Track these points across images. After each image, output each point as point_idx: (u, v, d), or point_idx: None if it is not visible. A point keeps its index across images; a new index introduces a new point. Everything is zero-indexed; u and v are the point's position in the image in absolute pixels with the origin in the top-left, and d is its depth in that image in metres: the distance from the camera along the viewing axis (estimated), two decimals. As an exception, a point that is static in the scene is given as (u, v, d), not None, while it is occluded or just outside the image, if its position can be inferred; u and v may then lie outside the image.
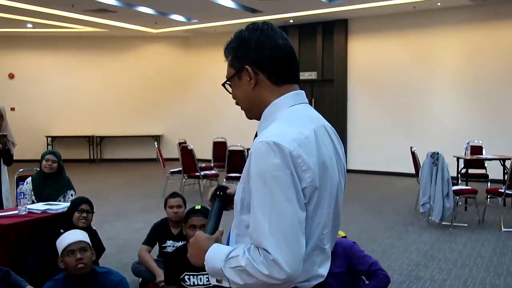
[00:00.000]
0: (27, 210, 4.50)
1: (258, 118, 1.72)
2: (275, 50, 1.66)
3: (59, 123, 15.52)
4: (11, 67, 15.48)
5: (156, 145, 10.83)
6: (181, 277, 3.64)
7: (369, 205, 8.86)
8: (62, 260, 3.38)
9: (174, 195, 4.80)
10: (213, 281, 1.58)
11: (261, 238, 1.45)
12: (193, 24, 13.93)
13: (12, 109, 14.38)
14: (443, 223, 7.20)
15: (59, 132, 15.47)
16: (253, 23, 1.71)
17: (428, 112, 11.95)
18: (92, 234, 4.17)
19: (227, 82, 1.73)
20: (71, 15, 12.31)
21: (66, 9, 11.72)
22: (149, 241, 4.73)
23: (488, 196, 7.60)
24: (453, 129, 11.46)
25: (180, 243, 4.54)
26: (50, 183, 5.13)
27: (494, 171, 9.18)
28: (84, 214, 4.29)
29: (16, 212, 4.49)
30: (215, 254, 1.56)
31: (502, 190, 7.20)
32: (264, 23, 1.70)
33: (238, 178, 7.63)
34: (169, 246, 4.65)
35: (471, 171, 8.96)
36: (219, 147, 11.15)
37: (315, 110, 1.72)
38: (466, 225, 7.31)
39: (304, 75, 13.05)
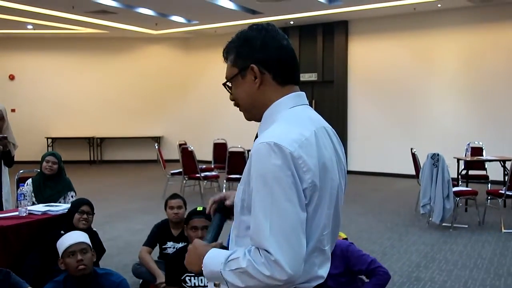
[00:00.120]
0: (27, 212, 4.50)
1: (257, 119, 1.71)
2: (280, 50, 1.66)
3: (59, 124, 15.53)
4: (11, 69, 15.49)
5: (157, 147, 10.82)
6: (182, 278, 3.65)
7: (369, 206, 8.86)
8: (63, 262, 3.38)
9: (174, 196, 4.80)
10: (211, 286, 1.58)
11: (262, 239, 1.45)
12: (193, 26, 13.94)
13: (13, 110, 14.39)
14: (443, 224, 7.20)
15: (60, 133, 15.48)
16: (257, 23, 1.71)
17: (428, 113, 11.96)
18: (93, 235, 4.17)
19: (228, 81, 1.72)
20: (72, 16, 12.32)
21: (67, 11, 11.73)
22: (150, 243, 4.73)
23: (489, 198, 7.60)
24: (453, 131, 11.46)
25: (180, 244, 4.54)
26: (50, 184, 5.13)
27: (495, 172, 9.18)
28: (85, 216, 4.29)
29: (17, 213, 4.49)
30: (214, 259, 1.56)
31: (503, 192, 7.20)
32: (268, 23, 1.70)
33: (238, 180, 7.65)
34: (170, 247, 4.65)
35: (471, 172, 8.96)
36: (220, 148, 11.16)
37: (315, 112, 1.72)
38: (467, 226, 7.31)
39: (305, 77, 13.06)
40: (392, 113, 12.46)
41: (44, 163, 5.12)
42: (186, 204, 4.77)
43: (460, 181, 8.65)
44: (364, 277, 3.56)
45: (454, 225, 7.23)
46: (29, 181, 5.18)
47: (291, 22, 12.90)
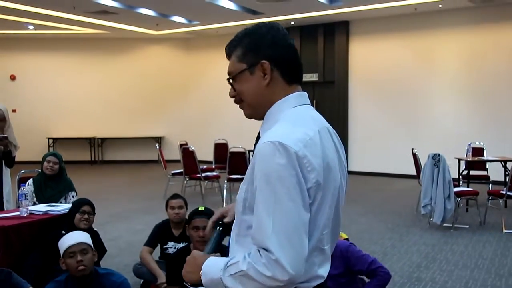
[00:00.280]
0: (28, 212, 4.50)
1: (259, 117, 1.71)
2: (289, 49, 1.68)
3: (60, 124, 15.54)
4: (12, 69, 15.51)
5: (158, 147, 10.82)
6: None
7: (370, 206, 8.85)
8: (64, 262, 3.39)
9: (175, 196, 4.80)
10: None
11: (264, 238, 1.45)
12: (194, 26, 13.94)
13: (14, 110, 14.38)
14: (444, 224, 7.19)
15: (60, 133, 15.49)
16: (265, 22, 1.71)
17: (429, 114, 11.95)
18: (94, 235, 4.17)
19: (234, 77, 1.69)
20: (72, 16, 12.33)
21: (67, 11, 11.74)
22: (151, 243, 4.73)
23: (490, 198, 7.59)
24: (454, 131, 11.46)
25: (181, 244, 4.55)
26: (51, 184, 5.13)
27: (496, 172, 9.17)
28: (86, 216, 4.29)
29: (18, 213, 4.50)
30: (212, 267, 1.55)
31: (504, 192, 7.19)
32: (275, 23, 1.71)
33: (239, 180, 7.66)
34: (171, 247, 4.65)
35: (472, 172, 8.96)
36: (220, 148, 11.15)
37: (317, 112, 1.72)
38: (467, 226, 7.30)
39: (305, 77, 13.05)
40: (393, 114, 12.46)
41: (45, 163, 5.12)
42: (187, 204, 4.77)
43: (461, 182, 8.64)
44: (364, 278, 3.56)
45: (455, 225, 7.23)
46: (30, 181, 5.19)
47: (292, 23, 12.90)
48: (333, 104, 13.05)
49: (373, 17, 12.39)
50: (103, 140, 15.72)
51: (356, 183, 10.74)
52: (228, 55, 1.72)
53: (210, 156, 11.60)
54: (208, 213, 3.75)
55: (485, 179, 9.21)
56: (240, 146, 9.52)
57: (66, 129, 15.51)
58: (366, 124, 12.81)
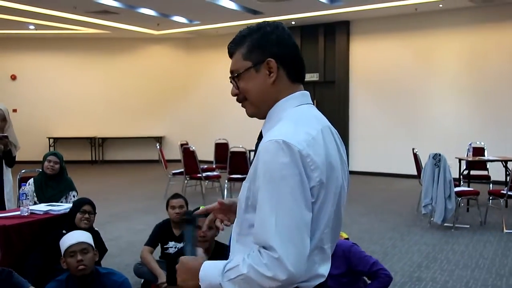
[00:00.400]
0: (29, 211, 4.51)
1: (262, 116, 1.70)
2: (294, 48, 1.69)
3: (61, 124, 15.55)
4: (13, 69, 15.52)
5: (158, 147, 10.83)
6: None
7: (371, 206, 8.85)
8: (65, 261, 3.39)
9: (176, 196, 4.80)
10: None
11: (267, 236, 1.44)
12: (195, 26, 13.95)
13: (14, 110, 14.39)
14: (445, 224, 7.19)
15: (61, 133, 15.50)
16: (269, 21, 1.71)
17: (430, 114, 11.95)
18: (95, 235, 4.17)
19: (239, 75, 1.68)
20: (73, 16, 12.34)
21: (68, 11, 11.75)
22: (151, 242, 4.73)
23: (490, 198, 7.59)
24: (455, 131, 11.46)
25: (182, 244, 4.54)
26: (52, 184, 5.13)
27: (496, 172, 9.17)
28: (86, 215, 4.29)
29: (18, 213, 4.50)
30: (210, 271, 1.53)
31: (504, 192, 7.20)
32: (279, 22, 1.71)
33: (239, 180, 7.68)
34: (171, 247, 4.65)
35: (473, 172, 8.96)
36: (221, 148, 11.16)
37: (319, 111, 1.73)
38: (468, 226, 7.30)
39: (306, 77, 12.84)
40: (394, 113, 12.46)
41: (46, 163, 5.12)
42: (187, 204, 4.77)
43: (461, 181, 8.64)
44: (365, 278, 3.56)
45: (456, 225, 7.23)
46: (31, 180, 5.19)
47: (293, 23, 12.90)
48: (333, 104, 13.05)
49: (373, 17, 12.39)
50: (104, 139, 15.73)
51: (356, 183, 10.74)
52: (231, 54, 1.71)
53: (210, 156, 11.61)
54: (208, 212, 3.74)
55: (486, 179, 9.21)
56: (240, 146, 9.52)
57: (66, 129, 15.51)
58: (366, 124, 12.81)
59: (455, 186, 7.38)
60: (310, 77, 13.15)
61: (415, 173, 8.69)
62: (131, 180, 12.37)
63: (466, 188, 7.90)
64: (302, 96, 1.69)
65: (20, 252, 4.19)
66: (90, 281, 3.36)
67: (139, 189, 10.96)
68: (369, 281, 3.46)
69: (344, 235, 3.76)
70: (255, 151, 1.65)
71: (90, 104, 15.54)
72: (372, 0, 10.99)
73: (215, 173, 9.82)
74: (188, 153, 9.37)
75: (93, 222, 4.42)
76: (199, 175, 9.33)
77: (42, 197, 5.04)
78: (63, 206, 4.69)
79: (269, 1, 10.77)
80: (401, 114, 12.34)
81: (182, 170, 9.52)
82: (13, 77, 15.52)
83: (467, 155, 9.20)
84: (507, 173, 8.62)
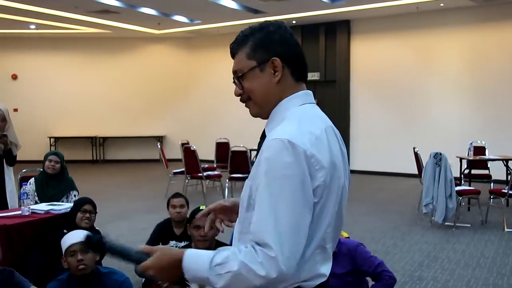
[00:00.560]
0: (30, 211, 4.51)
1: (266, 117, 1.70)
2: (297, 47, 1.69)
3: (62, 124, 15.55)
4: (14, 68, 15.52)
5: (159, 146, 10.83)
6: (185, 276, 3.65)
7: (372, 205, 8.85)
8: (65, 260, 3.39)
9: (176, 195, 4.80)
10: (195, 286, 1.55)
11: (265, 233, 1.44)
12: (195, 25, 13.94)
13: (15, 110, 14.41)
14: (446, 223, 7.19)
15: (62, 133, 15.50)
16: (271, 21, 1.71)
17: (431, 113, 11.94)
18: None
19: (244, 75, 1.67)
20: (74, 16, 12.34)
21: (69, 10, 11.75)
22: (152, 242, 4.73)
23: (491, 197, 7.58)
24: (456, 130, 11.45)
25: (183, 243, 4.54)
26: (53, 183, 5.13)
27: (497, 171, 9.16)
28: (87, 215, 4.29)
29: (19, 212, 4.51)
30: (196, 263, 1.51)
31: (505, 191, 7.19)
32: (281, 21, 1.72)
33: (240, 179, 7.63)
34: (172, 246, 4.65)
35: (474, 171, 8.95)
36: (222, 147, 11.16)
37: (321, 111, 1.73)
38: (469, 225, 7.30)
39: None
40: (395, 113, 12.45)
41: (47, 163, 5.13)
42: (188, 203, 4.77)
43: (462, 180, 8.64)
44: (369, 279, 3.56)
45: (457, 224, 7.23)
46: (32, 180, 5.19)
47: (294, 22, 12.89)
48: (334, 103, 13.04)
49: (374, 16, 12.38)
50: (105, 139, 15.73)
51: (357, 182, 10.72)
52: (233, 54, 1.71)
53: (211, 155, 11.61)
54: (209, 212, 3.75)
55: (487, 178, 9.20)
56: (241, 145, 9.51)
57: (67, 128, 15.52)
58: (367, 123, 12.80)
59: (456, 185, 7.38)
60: (311, 76, 13.13)
61: (416, 172, 8.68)
62: (132, 180, 12.38)
63: (467, 187, 7.89)
64: (306, 95, 1.69)
65: (21, 252, 4.20)
66: (91, 281, 3.36)
67: (140, 188, 10.96)
68: (372, 282, 3.46)
69: (345, 234, 3.76)
70: (258, 150, 1.65)
71: (91, 103, 15.54)
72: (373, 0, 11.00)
73: (216, 172, 9.83)
74: (189, 153, 9.37)
75: (94, 222, 4.42)
76: (200, 174, 9.33)
77: (43, 197, 5.04)
78: (64, 206, 4.69)
79: (270, 0, 10.77)
80: (402, 113, 12.34)
81: (183, 169, 9.52)
82: (14, 77, 15.53)
83: (468, 154, 9.19)
84: (508, 172, 8.63)
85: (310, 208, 1.50)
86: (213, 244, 3.84)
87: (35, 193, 5.09)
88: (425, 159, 7.74)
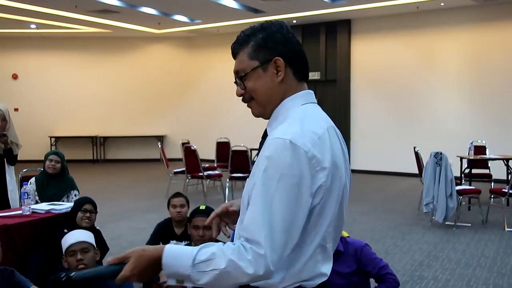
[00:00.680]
0: (31, 210, 4.51)
1: (268, 117, 1.70)
2: (299, 46, 1.69)
3: (62, 123, 15.56)
4: (14, 68, 15.53)
5: (160, 146, 10.83)
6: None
7: (372, 205, 8.85)
8: (66, 260, 3.39)
9: (177, 195, 4.80)
10: (172, 282, 1.51)
11: (256, 231, 1.44)
12: (196, 25, 13.95)
13: (16, 109, 14.42)
14: (446, 223, 7.19)
15: (63, 132, 15.51)
16: (272, 21, 1.71)
17: (431, 112, 11.94)
18: (96, 234, 4.17)
19: (247, 75, 1.66)
20: (74, 15, 12.35)
21: (69, 10, 11.75)
22: (153, 241, 4.72)
23: (492, 196, 7.58)
24: (456, 129, 11.45)
25: (183, 243, 4.54)
26: (53, 183, 5.13)
27: (498, 171, 9.16)
28: (88, 214, 4.29)
29: (20, 212, 4.51)
30: (177, 259, 1.48)
31: (506, 190, 7.19)
32: (282, 21, 1.71)
33: (241, 178, 7.61)
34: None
35: (474, 171, 8.95)
36: (222, 147, 11.15)
37: (323, 111, 1.73)
38: (470, 225, 7.30)
39: (307, 75, 13.03)
40: (395, 112, 12.45)
41: (47, 162, 5.13)
42: (189, 203, 4.76)
43: (463, 180, 8.64)
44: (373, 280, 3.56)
45: (457, 223, 7.23)
46: (33, 180, 5.19)
47: (294, 21, 12.89)
48: (335, 103, 13.05)
49: (375, 15, 12.37)
50: (105, 138, 15.74)
51: (358, 182, 10.72)
52: (235, 54, 1.70)
53: (212, 155, 11.61)
54: (208, 212, 3.72)
55: (487, 177, 9.19)
56: (242, 145, 9.51)
57: (68, 128, 15.52)
58: (368, 123, 12.80)
59: (457, 184, 7.38)
60: (311, 76, 13.13)
61: (417, 171, 8.68)
62: (133, 179, 12.38)
63: (467, 187, 7.90)
64: (307, 94, 1.70)
65: (21, 251, 4.19)
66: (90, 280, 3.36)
67: (141, 188, 10.96)
68: (375, 284, 3.47)
69: (345, 234, 3.76)
70: (259, 150, 1.65)
71: (92, 103, 15.54)
72: (374, -1, 11.00)
73: (216, 172, 9.83)
74: (189, 152, 9.38)
75: (95, 221, 4.42)
76: (200, 174, 9.33)
77: (43, 196, 5.04)
78: (65, 205, 4.69)
79: (270, -1, 10.78)
80: (403, 113, 12.33)
81: (184, 169, 9.52)
82: (15, 76, 15.53)
83: (468, 154, 9.18)
84: (509, 171, 8.63)
85: (306, 209, 1.50)
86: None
87: (36, 193, 5.09)
88: (425, 158, 7.74)
